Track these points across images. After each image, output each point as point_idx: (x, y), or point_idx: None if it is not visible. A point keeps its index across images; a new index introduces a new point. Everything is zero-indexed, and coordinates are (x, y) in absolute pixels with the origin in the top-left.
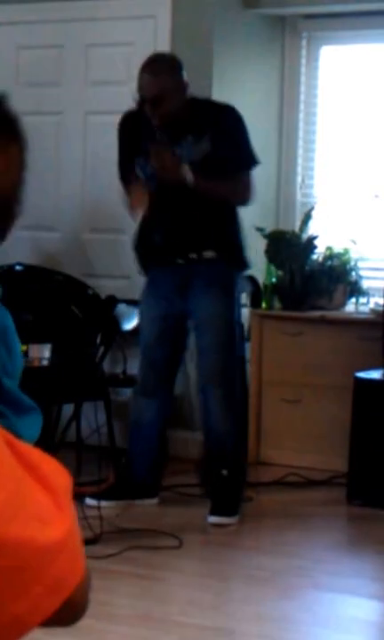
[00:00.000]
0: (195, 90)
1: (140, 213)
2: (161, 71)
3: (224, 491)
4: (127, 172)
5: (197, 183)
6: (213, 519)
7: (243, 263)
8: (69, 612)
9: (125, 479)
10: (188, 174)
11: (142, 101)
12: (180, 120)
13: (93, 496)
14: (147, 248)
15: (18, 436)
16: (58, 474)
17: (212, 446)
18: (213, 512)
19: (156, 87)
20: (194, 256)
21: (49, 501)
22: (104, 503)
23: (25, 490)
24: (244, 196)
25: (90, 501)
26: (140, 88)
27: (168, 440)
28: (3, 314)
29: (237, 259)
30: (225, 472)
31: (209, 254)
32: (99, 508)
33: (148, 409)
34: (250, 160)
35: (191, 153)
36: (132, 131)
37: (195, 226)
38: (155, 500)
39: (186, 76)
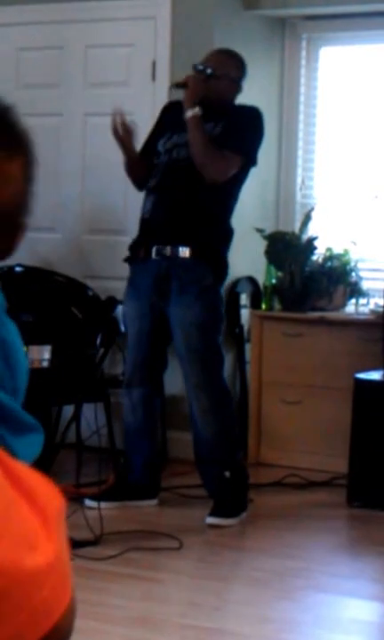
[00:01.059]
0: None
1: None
2: (228, 57)
3: (225, 492)
4: (146, 152)
5: (196, 124)
6: (210, 520)
7: (221, 268)
8: (55, 637)
9: (124, 480)
10: (196, 111)
11: (195, 69)
12: (213, 108)
13: (93, 497)
14: (132, 246)
15: (13, 455)
16: (50, 497)
17: (199, 450)
18: (212, 513)
19: (218, 63)
20: (167, 252)
21: (39, 525)
22: (103, 504)
23: (14, 512)
24: (215, 168)
25: (89, 503)
26: (203, 59)
27: (166, 440)
28: (5, 327)
29: (216, 263)
30: (227, 474)
31: (185, 252)
32: (99, 509)
33: (136, 408)
34: (244, 148)
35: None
36: (171, 114)
37: (181, 211)
38: (154, 502)
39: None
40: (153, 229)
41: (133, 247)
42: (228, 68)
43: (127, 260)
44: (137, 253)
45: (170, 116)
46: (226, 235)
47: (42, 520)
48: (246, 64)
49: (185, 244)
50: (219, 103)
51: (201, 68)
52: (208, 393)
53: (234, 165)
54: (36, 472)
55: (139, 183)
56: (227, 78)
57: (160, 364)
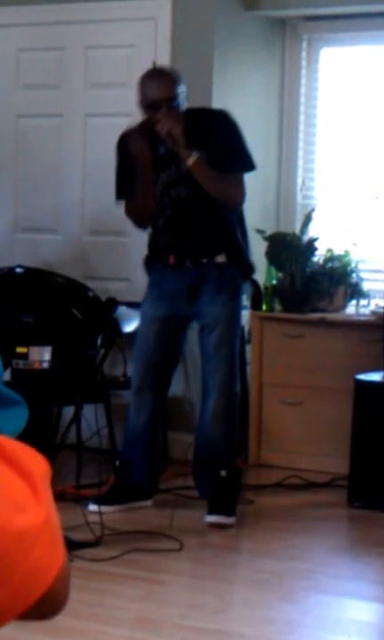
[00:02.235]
0: (195, 92)
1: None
2: (167, 78)
3: (221, 491)
4: (127, 190)
5: (200, 164)
6: (211, 518)
7: (249, 269)
8: (50, 603)
9: (122, 483)
10: (194, 155)
11: (150, 107)
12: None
13: (96, 501)
14: (154, 249)
15: None
16: (34, 460)
17: (201, 446)
18: (211, 511)
19: (167, 90)
20: (205, 261)
21: (25, 488)
22: (104, 509)
23: (1, 478)
24: (234, 195)
25: (93, 507)
26: (145, 95)
27: (167, 442)
28: None
29: (244, 264)
30: (223, 473)
31: (220, 259)
32: (100, 510)
33: (139, 412)
34: (244, 163)
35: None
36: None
37: (206, 232)
38: (149, 502)
39: (183, 91)
40: (181, 253)
41: (159, 251)
42: (173, 89)
43: (150, 262)
44: (166, 259)
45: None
46: (245, 237)
47: (28, 483)
48: (177, 72)
49: (221, 253)
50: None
51: (169, 102)
52: (227, 393)
53: (243, 183)
54: (18, 441)
55: (146, 223)
56: (176, 98)
57: (172, 367)
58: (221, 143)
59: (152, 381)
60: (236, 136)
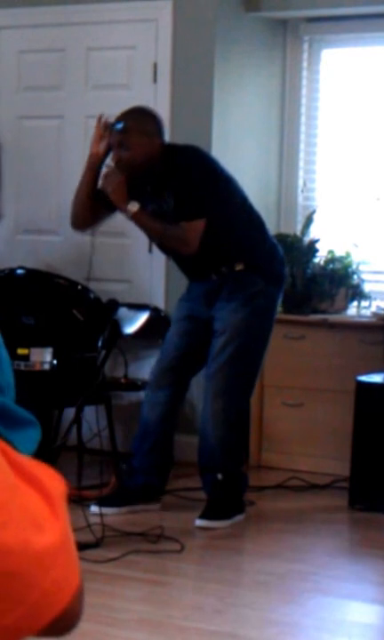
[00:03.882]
0: (196, 93)
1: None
2: (142, 115)
3: (216, 495)
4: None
5: (138, 220)
6: (198, 522)
7: (275, 276)
8: (66, 621)
9: (127, 484)
10: (132, 207)
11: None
12: (152, 174)
13: (98, 503)
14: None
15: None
16: (52, 480)
17: (203, 449)
18: (202, 515)
19: (116, 140)
20: (225, 270)
21: (44, 507)
22: (108, 510)
23: (19, 495)
24: (177, 247)
25: (95, 509)
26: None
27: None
28: None
29: (267, 272)
30: (220, 476)
31: (239, 267)
32: (100, 511)
33: (153, 408)
34: (199, 212)
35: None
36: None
37: (214, 254)
38: (157, 506)
39: (156, 133)
40: (203, 272)
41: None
42: (139, 125)
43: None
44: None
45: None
46: (270, 243)
47: (47, 502)
48: (155, 116)
49: (239, 261)
50: (149, 163)
51: (114, 126)
52: (224, 399)
53: (198, 230)
54: (36, 461)
55: (78, 221)
56: (138, 136)
57: (192, 369)
58: (181, 187)
59: (170, 379)
60: (191, 183)
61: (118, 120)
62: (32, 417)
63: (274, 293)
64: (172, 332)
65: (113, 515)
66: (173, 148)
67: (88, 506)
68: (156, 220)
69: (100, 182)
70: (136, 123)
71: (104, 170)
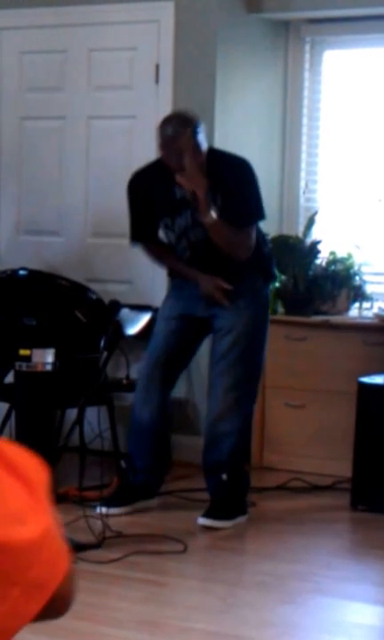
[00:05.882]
0: (198, 94)
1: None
2: (185, 122)
3: (221, 495)
4: (144, 231)
5: (217, 222)
6: (201, 521)
7: (270, 275)
8: (56, 606)
9: (127, 482)
10: (213, 212)
11: (167, 149)
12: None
13: (104, 503)
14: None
15: None
16: (35, 469)
17: (208, 447)
18: (204, 514)
19: (189, 142)
20: (234, 268)
21: (26, 498)
22: (114, 510)
23: (1, 487)
24: (242, 255)
25: (102, 510)
26: (171, 145)
27: (170, 443)
28: None
29: (265, 270)
30: (224, 477)
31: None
32: (101, 512)
33: (145, 406)
34: (255, 215)
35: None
36: (146, 189)
37: (227, 262)
38: (154, 502)
39: (202, 132)
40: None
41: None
42: (185, 135)
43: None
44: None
45: (148, 194)
46: (267, 241)
47: (29, 492)
48: (195, 117)
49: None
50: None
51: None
52: (231, 398)
53: (253, 234)
54: (17, 446)
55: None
56: (190, 147)
57: (180, 367)
58: (238, 195)
59: (160, 376)
60: (251, 189)
61: (169, 126)
62: None
63: (268, 291)
64: (161, 329)
65: (119, 515)
66: (222, 154)
67: (93, 507)
68: (228, 227)
69: (188, 183)
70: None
71: (184, 172)
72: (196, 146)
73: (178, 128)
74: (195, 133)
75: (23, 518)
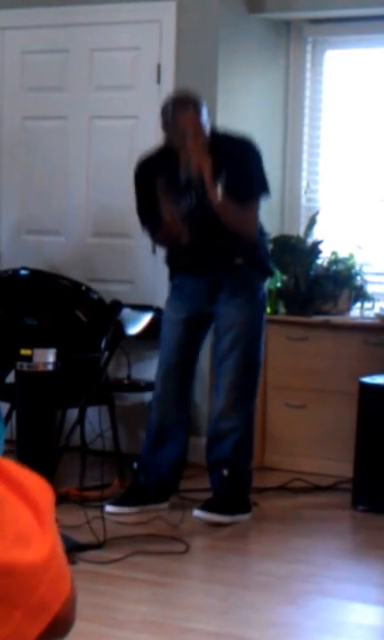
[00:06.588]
0: (200, 94)
1: (184, 241)
2: (191, 103)
3: (221, 490)
4: (152, 215)
5: (223, 201)
6: (196, 513)
7: (267, 270)
8: (58, 628)
9: (140, 484)
10: (220, 190)
11: (173, 132)
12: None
13: (112, 502)
14: (174, 264)
15: None
16: (40, 489)
17: (212, 443)
18: (202, 507)
19: (193, 117)
20: (226, 263)
21: (32, 519)
22: (120, 509)
23: (7, 509)
24: (249, 232)
25: (110, 509)
26: (169, 121)
27: (187, 448)
28: None
29: (262, 266)
30: (225, 472)
31: (238, 261)
32: (102, 512)
33: (170, 417)
34: (260, 188)
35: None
36: (151, 174)
37: (226, 243)
38: (165, 505)
39: (205, 112)
40: (202, 265)
41: (179, 265)
42: (198, 113)
43: (172, 263)
44: (187, 260)
45: (152, 180)
46: (264, 236)
47: (34, 513)
48: (199, 97)
49: (238, 256)
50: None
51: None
52: (236, 394)
53: (258, 209)
54: (22, 466)
55: (179, 244)
56: (202, 126)
57: (194, 369)
58: (243, 171)
59: (176, 378)
60: (256, 164)
61: (171, 106)
62: None
63: (264, 287)
64: (170, 334)
65: (125, 515)
66: (225, 134)
67: (99, 506)
68: (234, 203)
69: (193, 164)
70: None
71: (188, 147)
72: (199, 124)
73: (180, 107)
74: (198, 113)
75: (28, 540)
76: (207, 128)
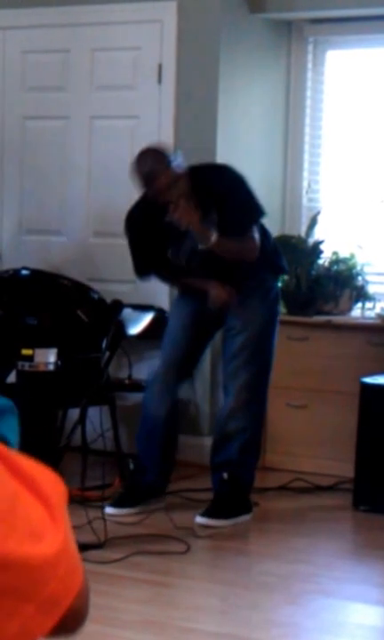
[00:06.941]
0: (200, 95)
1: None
2: (156, 151)
3: (221, 493)
4: (149, 265)
5: (218, 243)
6: (198, 520)
7: (280, 268)
8: (71, 622)
9: (137, 483)
10: (213, 235)
11: (147, 181)
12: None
13: (112, 504)
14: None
15: (5, 439)
16: (52, 484)
17: (218, 444)
18: (203, 513)
19: (160, 161)
20: (234, 284)
21: (44, 514)
22: (122, 511)
23: (19, 504)
24: (250, 257)
25: (110, 510)
26: (140, 172)
27: (178, 444)
28: None
29: (273, 264)
30: (225, 475)
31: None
32: (102, 512)
33: (160, 405)
34: (253, 216)
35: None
36: (144, 226)
37: (231, 273)
38: (163, 502)
39: (177, 159)
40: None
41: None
42: (152, 164)
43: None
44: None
45: (146, 230)
46: (272, 240)
47: (47, 508)
48: (166, 149)
49: (247, 275)
50: (182, 189)
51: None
52: (245, 396)
53: (257, 234)
54: (35, 460)
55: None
56: (158, 172)
57: (193, 364)
58: (232, 206)
59: (173, 376)
60: (242, 191)
61: (145, 167)
62: (8, 401)
63: (277, 286)
64: (174, 327)
65: (127, 515)
66: (201, 166)
67: (100, 507)
68: (230, 240)
69: (180, 220)
70: (158, 160)
71: (172, 207)
72: (177, 179)
73: (153, 167)
74: (171, 167)
75: (40, 534)
76: (182, 169)
